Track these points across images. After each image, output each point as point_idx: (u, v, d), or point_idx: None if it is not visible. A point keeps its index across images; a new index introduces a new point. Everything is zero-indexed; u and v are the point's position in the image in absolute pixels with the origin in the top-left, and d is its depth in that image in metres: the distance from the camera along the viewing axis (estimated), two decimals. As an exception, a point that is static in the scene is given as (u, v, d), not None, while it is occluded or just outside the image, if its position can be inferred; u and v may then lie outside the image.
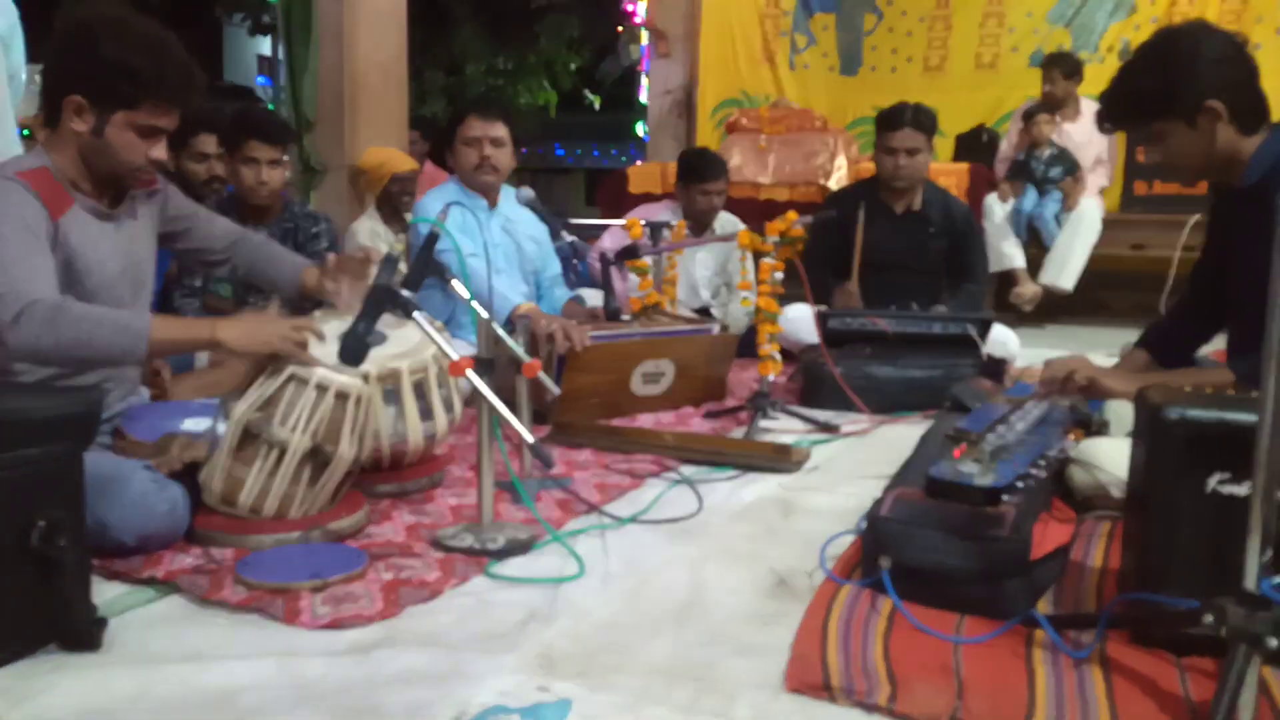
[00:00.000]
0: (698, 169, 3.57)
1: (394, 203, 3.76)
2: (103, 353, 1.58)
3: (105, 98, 1.62)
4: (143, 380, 1.99)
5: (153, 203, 1.87)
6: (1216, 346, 2.03)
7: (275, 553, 1.56)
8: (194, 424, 1.82)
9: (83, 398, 1.37)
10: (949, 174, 4.57)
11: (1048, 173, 4.53)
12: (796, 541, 1.71)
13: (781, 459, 2.19)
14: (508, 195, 2.90)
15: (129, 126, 1.64)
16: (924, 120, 3.19)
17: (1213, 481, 1.22)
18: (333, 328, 1.79)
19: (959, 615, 1.37)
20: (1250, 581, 1.00)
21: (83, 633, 1.26)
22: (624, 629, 1.37)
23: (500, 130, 2.76)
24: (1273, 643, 0.98)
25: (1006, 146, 4.86)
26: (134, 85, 1.61)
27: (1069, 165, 4.51)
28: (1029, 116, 4.53)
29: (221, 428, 1.66)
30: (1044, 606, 1.42)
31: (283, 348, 1.66)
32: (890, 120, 3.20)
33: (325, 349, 1.71)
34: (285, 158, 2.80)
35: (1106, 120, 1.84)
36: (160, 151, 1.70)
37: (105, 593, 1.42)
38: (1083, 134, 4.53)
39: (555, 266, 3.08)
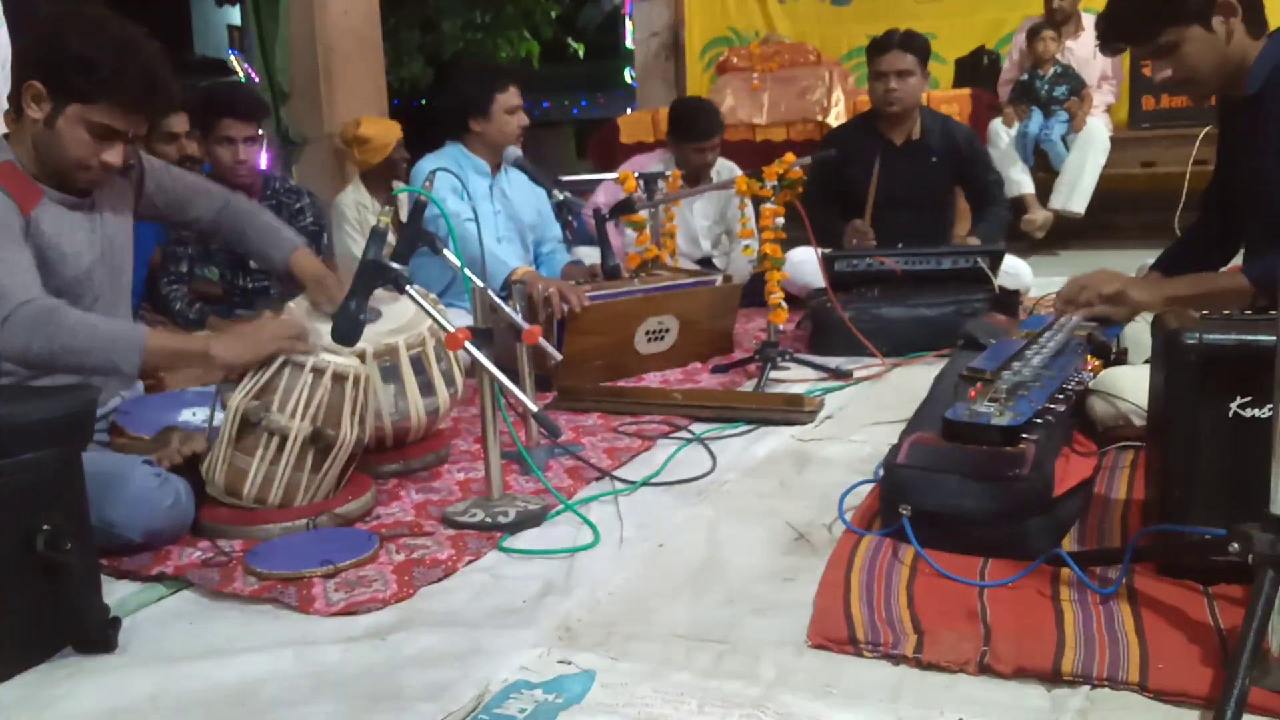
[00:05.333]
0: (689, 128, 3.46)
1: (396, 171, 3.69)
2: (97, 362, 1.55)
3: (60, 87, 1.58)
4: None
5: (124, 181, 1.81)
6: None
7: (284, 541, 1.54)
8: (191, 415, 1.80)
9: (76, 397, 1.33)
10: (950, 101, 4.45)
11: (1053, 92, 4.40)
12: (814, 494, 1.69)
13: (794, 410, 2.15)
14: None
15: (81, 122, 1.59)
16: (913, 42, 3.12)
17: (1233, 406, 1.19)
18: (316, 317, 1.75)
19: (983, 559, 1.35)
20: (1276, 506, 0.99)
21: (97, 635, 1.25)
22: (642, 595, 1.35)
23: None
24: (1300, 566, 0.97)
25: (1009, 67, 4.73)
26: (89, 80, 1.56)
27: (1074, 83, 4.38)
28: (1033, 34, 4.39)
29: (219, 417, 1.63)
30: (1068, 544, 1.40)
31: (279, 348, 1.63)
32: (878, 44, 3.14)
33: (319, 330, 1.68)
34: (260, 132, 2.75)
35: (1110, 40, 1.78)
36: (114, 156, 1.63)
37: (116, 592, 1.41)
38: (1086, 50, 4.39)
39: (555, 232, 3.03)
